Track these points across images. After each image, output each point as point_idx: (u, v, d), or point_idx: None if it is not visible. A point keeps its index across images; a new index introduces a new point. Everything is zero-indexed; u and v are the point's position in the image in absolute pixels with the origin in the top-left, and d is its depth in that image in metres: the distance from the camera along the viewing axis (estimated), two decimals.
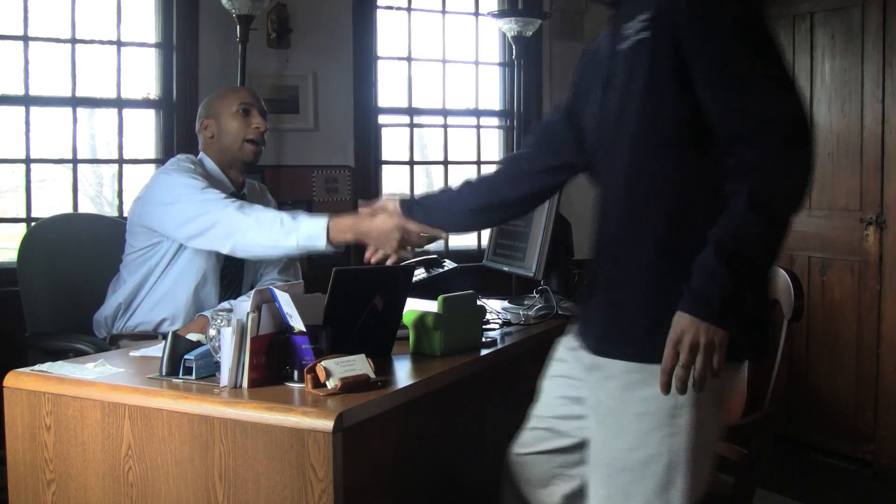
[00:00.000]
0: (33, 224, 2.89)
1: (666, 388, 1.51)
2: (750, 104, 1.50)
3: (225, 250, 2.44)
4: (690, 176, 1.60)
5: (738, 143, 1.51)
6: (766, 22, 1.55)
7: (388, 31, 4.43)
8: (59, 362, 2.05)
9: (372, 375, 1.86)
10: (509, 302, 3.01)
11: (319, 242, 2.31)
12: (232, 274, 2.74)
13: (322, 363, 1.80)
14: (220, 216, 2.41)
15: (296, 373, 1.87)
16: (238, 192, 2.74)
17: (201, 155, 2.76)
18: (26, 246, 2.80)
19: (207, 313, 2.46)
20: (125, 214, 3.14)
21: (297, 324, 1.88)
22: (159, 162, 3.89)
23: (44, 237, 2.79)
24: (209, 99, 2.79)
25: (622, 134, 1.65)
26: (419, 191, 4.65)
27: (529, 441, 1.98)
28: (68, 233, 2.75)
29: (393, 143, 4.50)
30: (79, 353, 2.38)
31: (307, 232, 2.33)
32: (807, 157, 1.51)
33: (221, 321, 1.89)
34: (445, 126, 4.63)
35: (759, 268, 1.52)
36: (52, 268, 2.65)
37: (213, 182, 2.65)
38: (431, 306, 2.26)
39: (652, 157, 1.61)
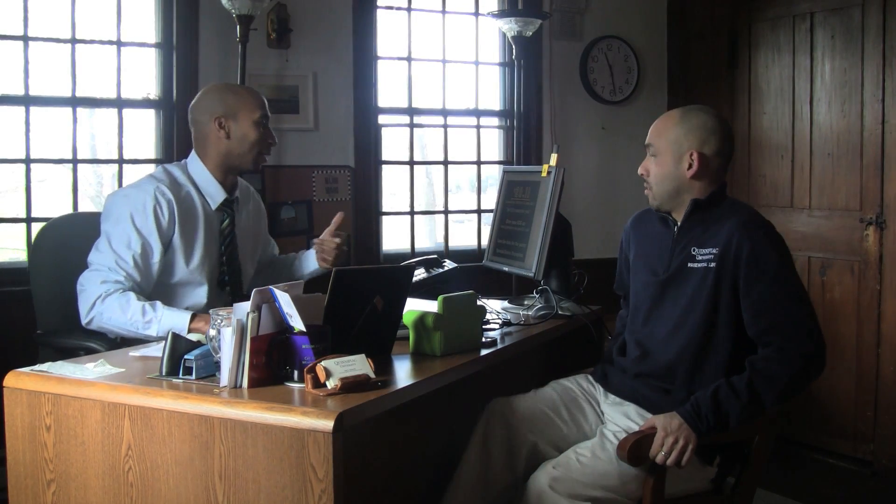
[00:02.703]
0: (42, 223, 2.89)
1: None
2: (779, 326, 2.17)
3: (84, 319, 2.49)
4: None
5: (765, 349, 2.17)
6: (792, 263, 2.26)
7: (388, 31, 4.43)
8: (59, 362, 2.05)
9: (372, 375, 1.86)
10: (509, 302, 3.01)
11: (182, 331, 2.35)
12: (234, 275, 2.74)
13: (322, 363, 1.80)
14: (93, 287, 2.48)
15: (296, 373, 1.87)
16: (230, 196, 2.71)
17: (192, 158, 2.68)
18: (37, 245, 2.81)
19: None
20: None
21: (297, 324, 1.88)
22: (159, 162, 3.89)
23: (54, 236, 2.80)
24: (222, 94, 2.67)
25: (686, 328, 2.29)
26: (419, 191, 4.66)
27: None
28: (78, 232, 2.74)
29: (393, 143, 4.49)
30: (89, 352, 2.39)
31: (168, 323, 2.40)
32: (814, 368, 2.22)
33: (221, 321, 1.89)
34: (445, 126, 4.63)
35: (728, 422, 2.13)
36: (62, 267, 2.65)
37: (194, 196, 2.63)
38: (431, 306, 2.25)
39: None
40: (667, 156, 2.33)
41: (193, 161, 2.68)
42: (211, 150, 2.65)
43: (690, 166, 2.30)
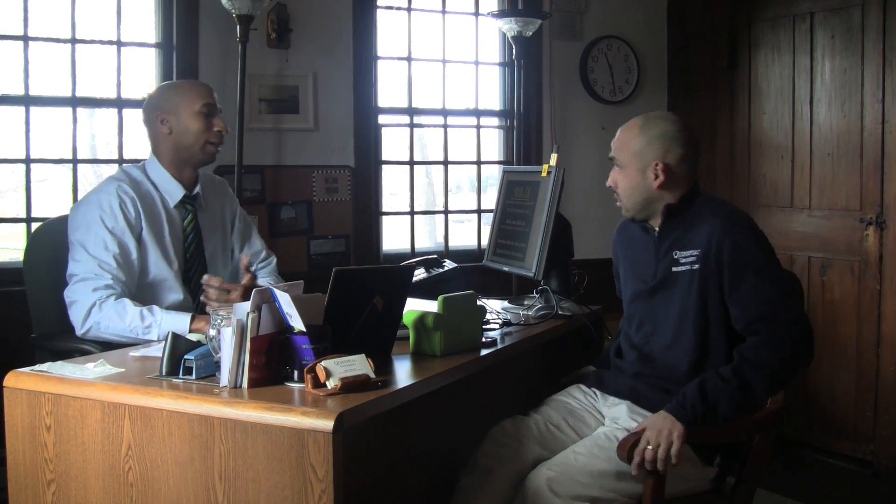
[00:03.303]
0: (38, 225, 2.89)
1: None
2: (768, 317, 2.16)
3: (80, 330, 2.48)
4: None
5: (754, 336, 2.16)
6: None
7: (388, 31, 4.43)
8: (59, 362, 2.05)
9: (372, 375, 1.86)
10: (509, 302, 3.01)
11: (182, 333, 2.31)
12: (197, 277, 2.73)
13: (322, 363, 1.80)
14: (84, 297, 2.47)
15: (296, 373, 1.87)
16: (191, 192, 2.71)
17: (150, 159, 2.70)
18: (32, 247, 2.80)
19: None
20: None
21: (297, 324, 1.88)
22: None
23: (49, 237, 2.79)
24: (163, 91, 2.72)
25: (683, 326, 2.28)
26: (419, 191, 4.66)
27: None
28: None
29: (393, 143, 4.49)
30: (85, 354, 2.38)
31: (168, 326, 2.36)
32: (804, 354, 2.17)
33: (221, 321, 1.89)
34: (445, 126, 4.63)
35: (717, 410, 2.12)
36: (57, 268, 2.65)
37: (154, 194, 2.62)
38: (431, 306, 2.25)
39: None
40: (632, 168, 2.33)
41: (151, 161, 2.70)
42: (161, 148, 2.68)
43: (656, 177, 2.30)
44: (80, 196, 3.76)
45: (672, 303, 2.29)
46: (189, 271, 2.71)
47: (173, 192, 2.68)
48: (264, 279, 2.87)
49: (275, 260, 2.99)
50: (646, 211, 2.36)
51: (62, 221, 2.88)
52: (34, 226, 3.58)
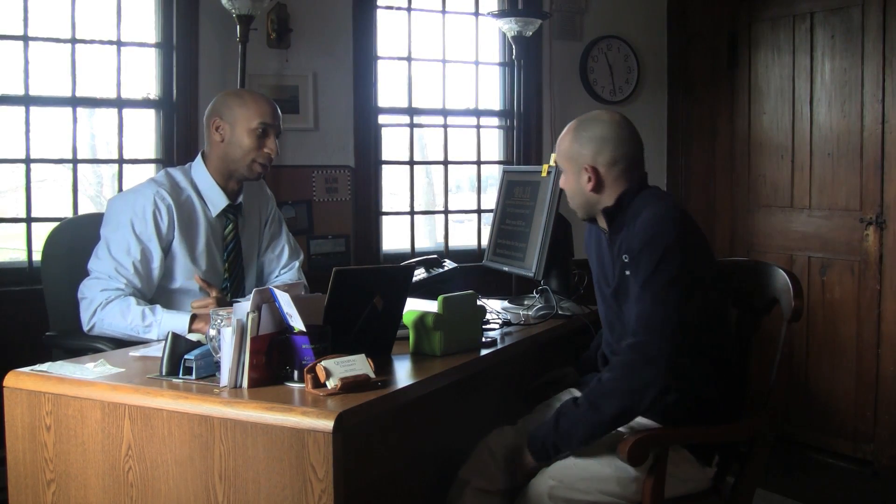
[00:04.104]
0: (56, 224, 2.90)
1: None
2: (639, 342, 2.07)
3: (86, 327, 2.51)
4: None
5: (616, 357, 2.12)
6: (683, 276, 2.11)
7: (388, 31, 4.43)
8: (59, 362, 2.05)
9: (372, 375, 1.86)
10: (509, 302, 3.01)
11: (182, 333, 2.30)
12: (236, 282, 2.74)
13: (322, 363, 1.80)
14: (94, 295, 2.49)
15: (296, 373, 1.87)
16: (233, 203, 2.70)
17: (197, 162, 2.69)
18: (49, 245, 2.82)
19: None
20: None
21: (297, 324, 1.88)
22: (159, 162, 3.89)
23: (66, 237, 2.81)
24: (228, 98, 2.68)
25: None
26: (419, 191, 4.66)
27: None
28: (90, 234, 2.74)
29: (393, 143, 4.49)
30: (99, 352, 2.38)
31: (168, 326, 2.37)
32: (656, 373, 2.04)
33: (221, 321, 1.89)
34: (445, 126, 4.63)
35: (572, 437, 2.10)
36: (74, 266, 2.66)
37: (195, 202, 2.62)
38: (431, 306, 2.25)
39: None
40: (569, 173, 2.30)
41: (198, 165, 2.69)
42: (211, 154, 2.67)
43: (589, 180, 2.25)
44: (80, 196, 3.78)
45: (629, 308, 2.22)
46: (227, 280, 2.71)
47: (216, 201, 2.67)
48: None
49: (297, 263, 2.95)
50: (590, 213, 2.32)
51: (80, 221, 2.90)
52: (34, 226, 3.60)
